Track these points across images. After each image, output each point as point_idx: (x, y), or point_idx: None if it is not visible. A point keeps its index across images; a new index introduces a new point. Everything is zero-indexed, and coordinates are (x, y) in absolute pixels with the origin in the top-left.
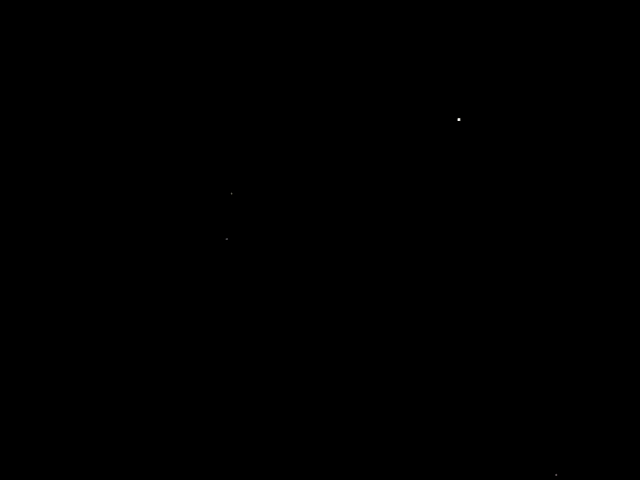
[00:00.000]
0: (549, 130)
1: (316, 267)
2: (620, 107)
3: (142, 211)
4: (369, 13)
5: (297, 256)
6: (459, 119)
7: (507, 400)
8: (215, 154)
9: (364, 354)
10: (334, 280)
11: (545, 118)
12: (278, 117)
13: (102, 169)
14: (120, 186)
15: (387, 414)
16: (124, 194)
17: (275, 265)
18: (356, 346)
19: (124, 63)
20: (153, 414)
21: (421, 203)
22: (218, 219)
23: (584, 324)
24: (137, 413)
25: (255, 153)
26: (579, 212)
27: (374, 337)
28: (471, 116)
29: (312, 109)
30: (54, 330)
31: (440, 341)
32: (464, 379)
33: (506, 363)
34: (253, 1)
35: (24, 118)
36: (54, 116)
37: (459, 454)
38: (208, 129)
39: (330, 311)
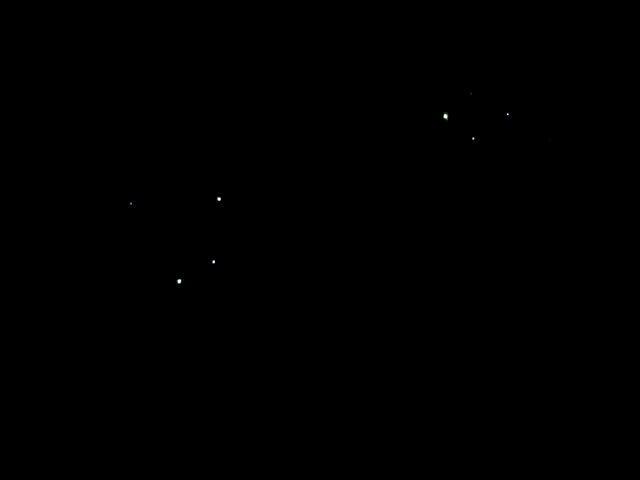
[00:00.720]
0: (538, 127)
1: (308, 271)
2: (610, 106)
3: (133, 211)
4: (362, 14)
5: (288, 260)
6: (446, 116)
7: (507, 400)
8: (202, 159)
9: (364, 355)
10: (327, 286)
11: (533, 116)
12: (262, 122)
13: (93, 171)
14: (109, 189)
15: (387, 414)
16: (113, 197)
17: (266, 268)
18: (356, 347)
19: (112, 69)
20: (151, 415)
21: (408, 201)
22: (206, 223)
23: (584, 324)
24: (134, 414)
25: (242, 158)
26: (573, 210)
27: (374, 338)
28: (459, 114)
29: (301, 112)
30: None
31: (440, 341)
32: (464, 379)
33: (506, 363)
34: (252, 1)
35: (17, 120)
36: (50, 116)
37: (459, 454)
38: (197, 134)
39: (326, 316)
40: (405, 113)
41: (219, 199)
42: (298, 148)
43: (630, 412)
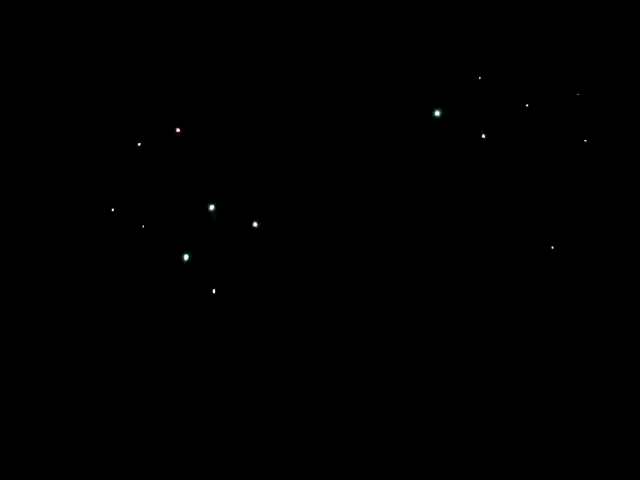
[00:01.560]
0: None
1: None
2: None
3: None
4: (360, 15)
5: (287, 264)
6: (437, 113)
7: (507, 400)
8: (198, 163)
9: (364, 356)
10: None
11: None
12: (259, 125)
13: (91, 172)
14: (106, 191)
15: (387, 414)
16: (110, 199)
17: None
18: (356, 348)
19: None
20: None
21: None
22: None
23: (584, 324)
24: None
25: (237, 163)
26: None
27: (374, 339)
28: (454, 112)
29: (296, 112)
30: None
31: (440, 341)
32: (464, 379)
33: (506, 363)
34: (252, 2)
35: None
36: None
37: (459, 454)
38: (197, 140)
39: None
40: (410, 109)
41: (213, 205)
42: (298, 147)
43: (629, 411)
